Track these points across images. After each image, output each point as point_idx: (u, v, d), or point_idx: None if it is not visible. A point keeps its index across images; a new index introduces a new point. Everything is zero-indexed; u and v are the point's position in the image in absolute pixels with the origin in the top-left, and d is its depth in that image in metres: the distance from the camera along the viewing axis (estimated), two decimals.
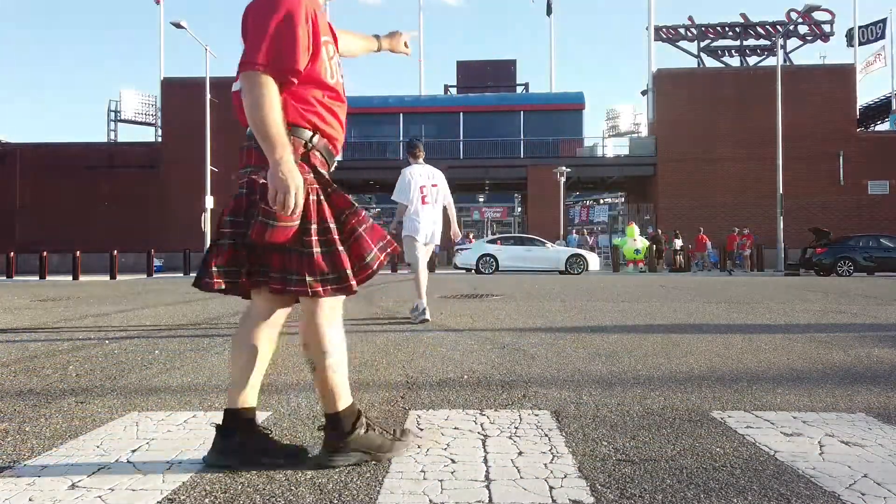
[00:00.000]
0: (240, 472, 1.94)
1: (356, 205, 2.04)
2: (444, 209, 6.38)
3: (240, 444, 1.97)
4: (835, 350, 4.34)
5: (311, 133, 1.98)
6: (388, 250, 2.07)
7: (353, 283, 1.94)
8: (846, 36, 36.32)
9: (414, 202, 6.05)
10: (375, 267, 2.01)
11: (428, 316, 5.89)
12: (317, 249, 1.91)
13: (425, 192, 6.09)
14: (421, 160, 6.22)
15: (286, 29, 1.86)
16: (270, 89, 1.84)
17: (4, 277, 22.30)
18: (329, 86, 2.02)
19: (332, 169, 2.09)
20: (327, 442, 2.02)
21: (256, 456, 1.98)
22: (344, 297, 2.01)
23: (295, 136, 1.94)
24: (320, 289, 1.91)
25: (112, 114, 40.18)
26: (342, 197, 2.01)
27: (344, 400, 2.02)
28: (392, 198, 6.29)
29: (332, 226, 1.95)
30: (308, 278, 1.89)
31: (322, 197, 1.96)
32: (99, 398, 2.98)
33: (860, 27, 35.97)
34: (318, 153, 2.01)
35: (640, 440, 2.27)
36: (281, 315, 2.09)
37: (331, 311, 1.99)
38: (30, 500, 1.73)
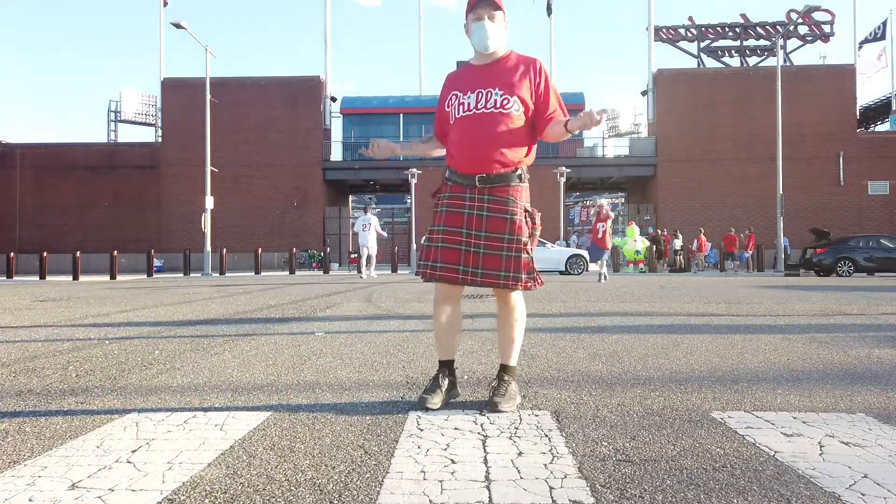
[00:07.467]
0: (240, 473, 1.95)
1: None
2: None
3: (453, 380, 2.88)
4: (835, 350, 4.34)
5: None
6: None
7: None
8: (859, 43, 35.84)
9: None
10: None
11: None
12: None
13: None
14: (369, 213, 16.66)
15: None
16: None
17: (4, 277, 22.29)
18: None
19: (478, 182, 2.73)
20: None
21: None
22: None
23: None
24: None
25: (112, 114, 40.28)
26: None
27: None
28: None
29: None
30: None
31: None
32: (99, 398, 2.98)
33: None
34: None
35: (640, 440, 2.27)
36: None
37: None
38: (30, 500, 1.73)
